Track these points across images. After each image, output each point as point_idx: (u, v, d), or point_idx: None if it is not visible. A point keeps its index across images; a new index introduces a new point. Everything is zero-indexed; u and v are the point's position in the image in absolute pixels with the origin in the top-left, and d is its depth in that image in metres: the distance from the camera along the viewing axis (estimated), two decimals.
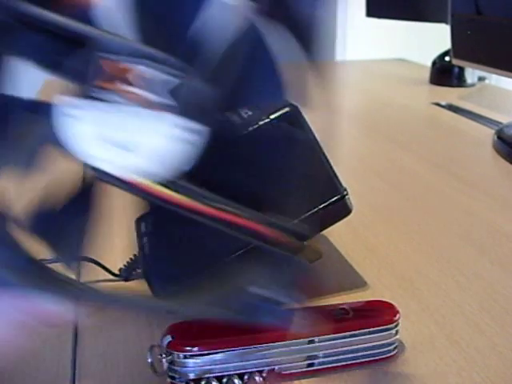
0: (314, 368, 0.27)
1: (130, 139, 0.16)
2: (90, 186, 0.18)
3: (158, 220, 0.20)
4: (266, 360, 0.26)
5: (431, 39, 0.92)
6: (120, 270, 0.35)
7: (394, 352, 0.28)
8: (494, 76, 0.90)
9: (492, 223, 0.44)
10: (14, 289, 0.17)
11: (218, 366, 0.25)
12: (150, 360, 0.26)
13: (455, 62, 0.77)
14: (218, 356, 0.25)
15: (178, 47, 0.17)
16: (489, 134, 0.65)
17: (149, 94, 0.16)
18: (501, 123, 0.68)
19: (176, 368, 0.25)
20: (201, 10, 0.17)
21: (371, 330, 0.27)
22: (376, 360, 0.28)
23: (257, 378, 0.26)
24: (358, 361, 0.27)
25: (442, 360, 0.28)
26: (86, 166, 0.16)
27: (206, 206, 0.17)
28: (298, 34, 0.19)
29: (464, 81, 0.92)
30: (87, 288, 0.18)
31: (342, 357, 0.27)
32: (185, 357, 0.25)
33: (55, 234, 0.19)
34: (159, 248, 0.20)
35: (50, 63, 0.17)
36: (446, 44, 0.79)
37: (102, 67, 0.16)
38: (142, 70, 0.16)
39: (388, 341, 0.27)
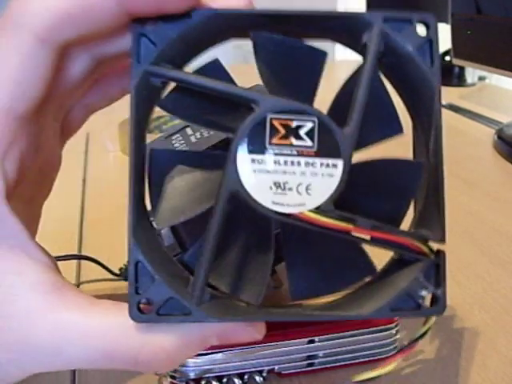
0: (314, 368, 0.27)
1: (297, 182, 0.20)
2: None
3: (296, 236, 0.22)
4: (266, 360, 0.26)
5: None
6: (120, 269, 0.35)
7: (394, 352, 0.28)
8: (494, 76, 0.90)
9: (492, 223, 0.44)
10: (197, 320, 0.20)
11: (217, 366, 0.25)
12: None
13: (455, 61, 0.77)
14: (218, 356, 0.25)
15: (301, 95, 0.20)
16: (489, 133, 0.65)
17: (307, 142, 0.20)
18: (501, 123, 0.68)
19: (176, 368, 0.25)
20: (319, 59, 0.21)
21: (371, 329, 0.27)
22: (376, 360, 0.28)
23: (257, 378, 0.26)
24: (358, 361, 0.27)
25: (442, 360, 0.28)
26: (266, 210, 0.19)
27: (356, 226, 0.20)
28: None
29: (464, 80, 0.92)
30: (261, 311, 0.21)
31: (341, 357, 0.27)
32: None
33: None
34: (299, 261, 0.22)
35: (214, 124, 0.21)
36: (446, 44, 0.79)
37: (276, 126, 0.19)
38: (303, 123, 0.19)
39: (388, 341, 0.27)
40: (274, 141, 0.19)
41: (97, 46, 0.22)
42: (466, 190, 0.50)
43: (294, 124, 0.19)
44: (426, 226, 0.21)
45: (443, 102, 0.80)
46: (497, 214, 0.45)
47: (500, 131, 0.62)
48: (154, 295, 0.20)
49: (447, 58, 0.89)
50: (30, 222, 0.24)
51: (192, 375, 0.25)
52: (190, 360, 0.25)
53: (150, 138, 0.32)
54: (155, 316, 0.20)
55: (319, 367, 0.27)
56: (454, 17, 0.73)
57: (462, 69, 0.90)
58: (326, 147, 0.20)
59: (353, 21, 0.21)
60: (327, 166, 0.20)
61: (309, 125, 0.19)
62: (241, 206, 0.20)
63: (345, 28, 0.21)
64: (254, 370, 0.26)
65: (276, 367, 0.27)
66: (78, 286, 0.35)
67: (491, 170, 0.57)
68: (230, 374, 0.26)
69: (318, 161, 0.20)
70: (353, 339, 0.27)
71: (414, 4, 0.94)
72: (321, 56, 0.21)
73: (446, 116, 0.75)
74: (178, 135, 0.32)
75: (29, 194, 0.23)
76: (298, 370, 0.27)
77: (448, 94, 0.85)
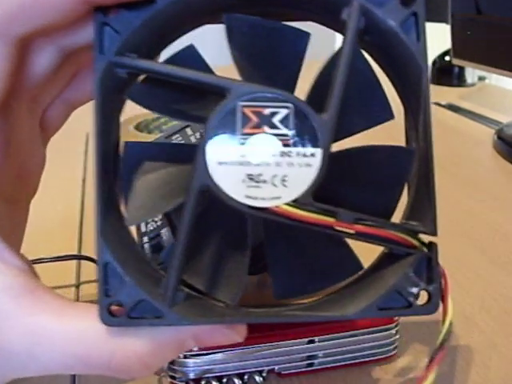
0: (314, 368, 0.27)
1: (272, 174, 0.18)
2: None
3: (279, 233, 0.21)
4: (266, 360, 0.26)
5: (431, 39, 0.92)
6: None
7: (394, 352, 0.28)
8: (494, 76, 0.90)
9: (492, 223, 0.44)
10: (173, 322, 0.19)
11: (217, 366, 0.25)
12: None
13: (455, 61, 0.77)
14: (218, 356, 0.25)
15: (278, 80, 0.19)
16: (489, 133, 0.64)
17: (282, 130, 0.18)
18: (501, 123, 0.68)
19: (176, 368, 0.25)
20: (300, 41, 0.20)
21: (371, 329, 0.27)
22: (376, 360, 0.28)
23: (257, 378, 0.26)
24: (358, 361, 0.27)
25: (442, 360, 0.28)
26: (239, 204, 0.18)
27: (337, 220, 0.19)
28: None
29: (464, 80, 0.92)
30: (239, 312, 0.20)
31: (341, 357, 0.27)
32: (185, 356, 0.25)
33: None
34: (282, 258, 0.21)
35: (180, 113, 0.20)
36: (446, 44, 0.79)
37: (248, 115, 0.18)
38: (277, 110, 0.18)
39: (388, 341, 0.27)
40: (246, 130, 0.18)
41: (61, 37, 0.21)
42: (465, 189, 0.50)
43: (267, 111, 0.18)
44: (416, 218, 0.20)
45: (443, 101, 0.80)
46: (496, 214, 0.45)
47: (500, 131, 0.62)
48: (124, 297, 0.19)
49: (447, 58, 0.89)
50: (15, 222, 0.24)
51: (192, 375, 0.25)
52: (189, 360, 0.25)
53: (150, 138, 0.32)
54: (126, 319, 0.19)
55: (319, 367, 0.27)
56: (454, 17, 0.73)
57: (461, 69, 0.90)
58: (303, 135, 0.18)
59: None
60: (304, 155, 0.18)
61: (283, 112, 0.18)
62: (215, 201, 0.19)
63: (323, 6, 0.20)
64: (253, 370, 0.26)
65: (276, 367, 0.27)
66: (77, 286, 0.35)
67: (491, 170, 0.57)
68: (229, 374, 0.26)
69: (294, 150, 0.18)
70: (353, 339, 0.27)
71: None
72: (302, 37, 0.20)
73: (446, 116, 0.75)
74: (177, 135, 0.32)
75: (9, 193, 0.23)
76: (298, 370, 0.27)
77: (448, 94, 0.85)
